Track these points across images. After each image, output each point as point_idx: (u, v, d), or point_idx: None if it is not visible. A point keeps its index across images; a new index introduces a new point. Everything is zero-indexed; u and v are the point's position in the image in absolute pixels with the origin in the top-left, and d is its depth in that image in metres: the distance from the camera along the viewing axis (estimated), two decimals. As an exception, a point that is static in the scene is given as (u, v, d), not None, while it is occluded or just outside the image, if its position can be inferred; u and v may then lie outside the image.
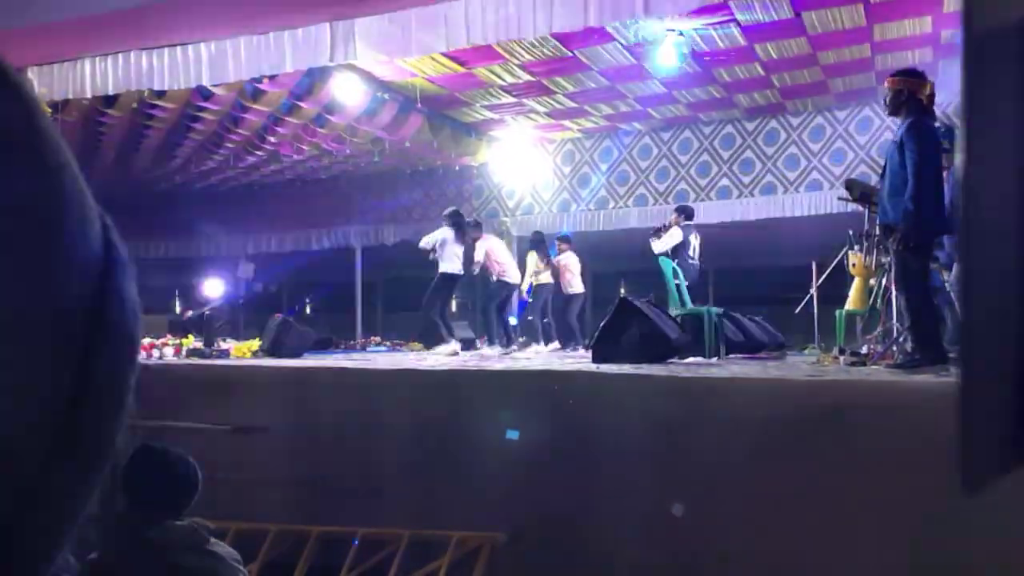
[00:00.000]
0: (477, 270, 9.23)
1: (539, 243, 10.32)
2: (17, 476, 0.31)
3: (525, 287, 10.17)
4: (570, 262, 10.46)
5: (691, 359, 6.90)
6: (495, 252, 9.43)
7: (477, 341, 10.52)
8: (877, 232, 6.06)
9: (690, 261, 8.49)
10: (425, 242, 8.90)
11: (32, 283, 0.30)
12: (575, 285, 10.43)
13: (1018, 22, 0.34)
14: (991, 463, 0.33)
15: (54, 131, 0.33)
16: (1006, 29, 0.33)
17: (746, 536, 4.15)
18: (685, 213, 8.81)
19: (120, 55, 7.77)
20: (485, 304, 9.72)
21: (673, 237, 8.53)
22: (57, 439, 0.32)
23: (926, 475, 3.16)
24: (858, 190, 6.53)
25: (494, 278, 9.43)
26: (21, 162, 0.31)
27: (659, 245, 8.54)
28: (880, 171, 5.60)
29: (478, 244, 9.21)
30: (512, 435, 4.75)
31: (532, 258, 10.29)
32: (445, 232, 8.78)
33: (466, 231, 8.96)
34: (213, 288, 13.13)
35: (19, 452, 0.31)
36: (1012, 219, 0.33)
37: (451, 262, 8.71)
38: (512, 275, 9.52)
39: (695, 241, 8.67)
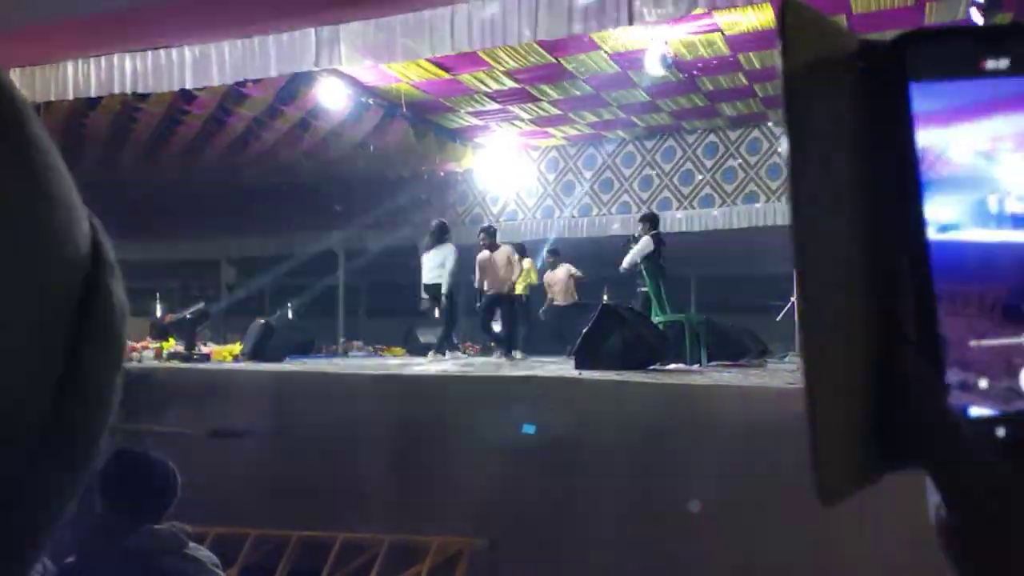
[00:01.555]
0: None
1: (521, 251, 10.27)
2: (1, 472, 0.31)
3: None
4: (558, 275, 10.45)
5: (673, 366, 6.93)
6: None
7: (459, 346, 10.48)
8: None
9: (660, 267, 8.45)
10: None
11: (18, 282, 0.30)
12: (561, 298, 10.41)
13: (835, 55, 0.35)
14: (844, 477, 0.34)
15: (43, 132, 0.34)
16: (824, 62, 0.34)
17: (724, 542, 4.17)
18: (651, 222, 8.75)
19: (103, 58, 7.73)
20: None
21: (643, 247, 8.48)
22: (41, 438, 0.32)
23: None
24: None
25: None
26: (8, 162, 0.31)
27: (627, 260, 8.47)
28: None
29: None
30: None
31: (527, 264, 10.26)
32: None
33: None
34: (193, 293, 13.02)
35: (3, 450, 0.31)
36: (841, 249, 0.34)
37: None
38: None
39: (660, 249, 8.62)
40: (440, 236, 8.95)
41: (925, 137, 0.36)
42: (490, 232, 9.34)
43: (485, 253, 9.02)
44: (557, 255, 10.81)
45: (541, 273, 10.93)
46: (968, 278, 0.35)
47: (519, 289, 9.97)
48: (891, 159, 0.36)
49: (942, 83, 0.36)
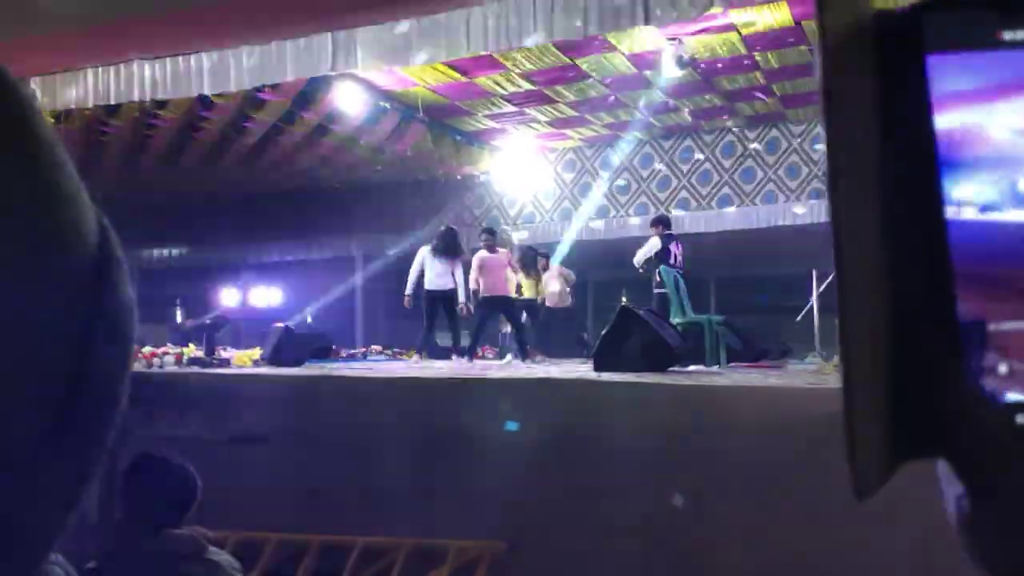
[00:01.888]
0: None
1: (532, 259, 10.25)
2: (10, 469, 0.31)
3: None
4: (551, 278, 10.41)
5: (692, 367, 6.90)
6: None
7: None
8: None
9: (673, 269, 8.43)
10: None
11: (27, 280, 0.31)
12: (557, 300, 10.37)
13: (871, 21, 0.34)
14: (877, 466, 0.33)
15: (50, 130, 0.33)
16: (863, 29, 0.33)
17: (749, 545, 4.14)
18: (664, 223, 8.75)
19: (122, 65, 7.80)
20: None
21: (651, 246, 8.49)
22: (51, 436, 0.32)
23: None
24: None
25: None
26: (16, 160, 0.31)
27: (637, 258, 8.52)
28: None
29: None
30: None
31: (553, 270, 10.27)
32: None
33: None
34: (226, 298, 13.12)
35: (12, 446, 0.31)
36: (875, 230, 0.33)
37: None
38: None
39: (676, 250, 8.61)
40: (451, 247, 8.88)
41: (960, 115, 0.35)
42: (491, 233, 9.27)
43: (484, 254, 8.97)
44: (547, 258, 10.74)
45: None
46: (994, 259, 0.34)
47: (528, 293, 9.92)
48: (909, 135, 0.35)
49: (961, 55, 0.34)
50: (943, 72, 0.34)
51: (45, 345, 0.31)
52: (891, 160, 0.35)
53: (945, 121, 0.34)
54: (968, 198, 0.35)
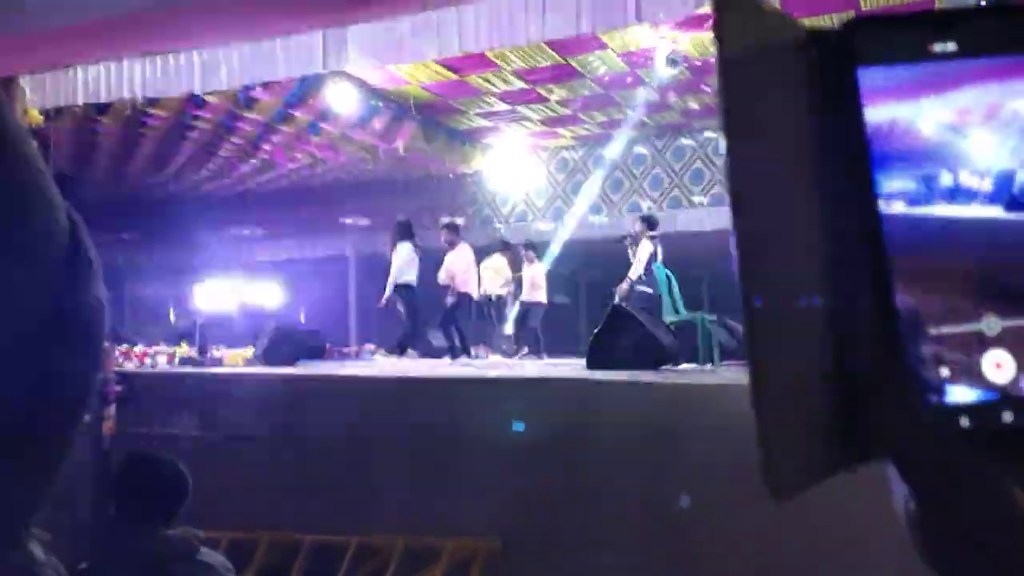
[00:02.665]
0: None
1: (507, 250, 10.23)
2: None
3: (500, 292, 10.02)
4: (536, 272, 10.41)
5: (685, 366, 6.90)
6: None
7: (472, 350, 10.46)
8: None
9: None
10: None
11: None
12: (538, 295, 10.40)
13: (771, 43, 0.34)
14: (798, 472, 0.33)
15: (19, 125, 0.33)
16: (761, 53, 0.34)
17: (740, 542, 4.15)
18: (650, 224, 8.71)
19: (112, 63, 7.76)
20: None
21: (645, 252, 8.45)
22: (21, 429, 0.31)
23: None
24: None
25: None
26: None
27: (636, 269, 8.41)
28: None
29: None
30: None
31: (500, 263, 10.19)
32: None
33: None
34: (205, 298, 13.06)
35: None
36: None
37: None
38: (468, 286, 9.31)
39: (658, 249, 8.58)
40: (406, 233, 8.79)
41: (882, 111, 0.35)
42: (452, 228, 9.17)
43: (447, 250, 8.94)
44: (534, 249, 10.72)
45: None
46: (931, 255, 0.34)
47: (495, 290, 9.87)
48: (839, 136, 0.35)
49: (891, 68, 0.35)
50: (874, 80, 0.35)
51: (15, 343, 0.31)
52: (820, 164, 0.35)
53: (875, 116, 0.35)
54: (897, 192, 0.35)
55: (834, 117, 0.35)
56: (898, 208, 0.35)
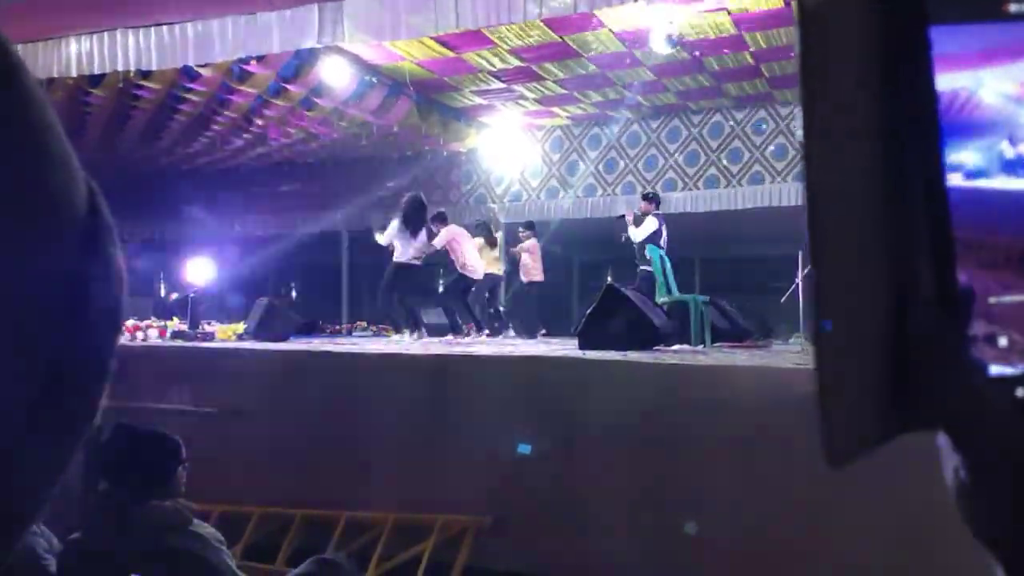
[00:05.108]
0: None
1: (485, 230, 10.24)
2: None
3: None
4: (532, 250, 10.43)
5: (677, 347, 6.93)
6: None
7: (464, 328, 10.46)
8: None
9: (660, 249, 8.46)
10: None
11: (14, 245, 0.30)
12: (534, 273, 10.40)
13: None
14: (853, 438, 0.33)
15: (40, 90, 0.32)
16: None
17: (730, 522, 4.18)
18: (655, 201, 8.78)
19: (105, 34, 7.69)
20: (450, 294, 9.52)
21: (650, 226, 8.52)
22: (37, 402, 0.31)
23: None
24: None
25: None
26: (4, 118, 0.30)
27: (639, 233, 8.54)
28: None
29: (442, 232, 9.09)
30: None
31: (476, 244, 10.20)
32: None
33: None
34: (197, 272, 13.01)
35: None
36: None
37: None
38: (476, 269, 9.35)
39: (664, 230, 8.65)
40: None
41: (951, 79, 0.34)
42: (441, 218, 9.34)
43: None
44: (531, 229, 10.74)
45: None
46: (991, 228, 0.34)
47: (488, 269, 9.86)
48: (909, 103, 0.34)
49: (964, 26, 0.34)
50: (945, 41, 0.34)
51: (32, 314, 0.30)
52: (888, 127, 0.34)
53: (942, 84, 0.34)
54: (958, 164, 0.34)
55: (904, 77, 0.35)
56: (956, 180, 0.34)
